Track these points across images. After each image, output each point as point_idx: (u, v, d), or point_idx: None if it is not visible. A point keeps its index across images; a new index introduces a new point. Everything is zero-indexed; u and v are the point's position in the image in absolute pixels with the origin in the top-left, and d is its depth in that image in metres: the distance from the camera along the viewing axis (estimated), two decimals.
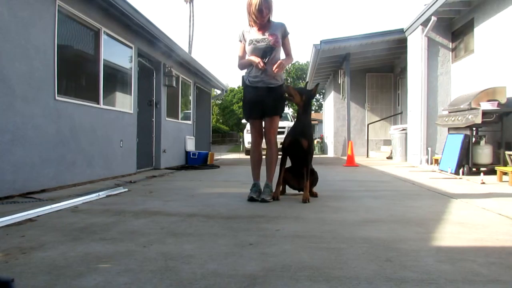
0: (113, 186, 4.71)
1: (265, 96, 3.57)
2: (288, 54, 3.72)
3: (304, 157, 3.59)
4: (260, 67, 3.45)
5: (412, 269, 1.66)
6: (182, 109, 9.40)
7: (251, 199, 3.49)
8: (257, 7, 3.39)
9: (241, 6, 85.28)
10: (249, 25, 3.60)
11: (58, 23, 4.43)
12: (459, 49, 7.87)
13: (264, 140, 3.73)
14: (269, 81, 3.58)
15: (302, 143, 3.56)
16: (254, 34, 3.56)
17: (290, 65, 25.74)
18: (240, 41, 3.68)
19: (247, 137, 14.10)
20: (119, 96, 6.27)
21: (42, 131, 4.20)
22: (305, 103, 3.68)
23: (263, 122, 3.72)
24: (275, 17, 3.63)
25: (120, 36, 6.01)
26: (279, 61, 3.46)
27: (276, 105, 3.64)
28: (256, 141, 3.77)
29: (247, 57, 3.60)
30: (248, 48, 3.57)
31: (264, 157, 3.75)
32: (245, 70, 3.71)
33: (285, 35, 3.64)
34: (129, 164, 6.33)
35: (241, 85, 3.64)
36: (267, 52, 3.49)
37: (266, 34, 3.53)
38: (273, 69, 3.43)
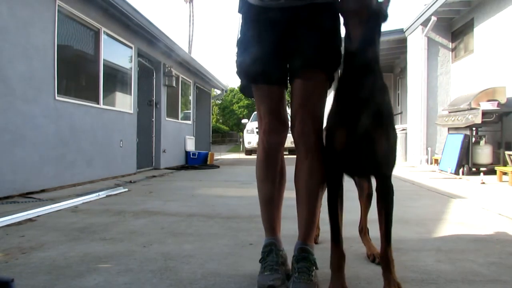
0: (113, 186, 4.71)
1: (298, 26, 1.48)
2: None
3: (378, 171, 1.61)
4: None
5: (412, 269, 1.66)
6: (182, 109, 9.40)
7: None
8: None
9: None
10: None
11: (58, 23, 4.42)
12: (459, 49, 7.87)
13: (291, 134, 1.59)
14: None
15: (373, 133, 1.42)
16: None
17: None
18: None
19: (247, 137, 13.69)
20: (119, 96, 6.26)
21: (42, 131, 4.19)
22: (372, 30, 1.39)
23: (286, 92, 1.61)
24: None
25: (120, 36, 6.01)
26: None
27: (326, 45, 1.48)
28: (269, 139, 1.61)
29: None
30: None
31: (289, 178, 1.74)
32: None
33: None
34: (129, 164, 6.33)
35: (238, 86, 2.01)
36: None
37: None
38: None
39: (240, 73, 1.58)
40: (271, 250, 1.58)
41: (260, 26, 1.50)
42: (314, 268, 1.52)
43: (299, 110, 1.51)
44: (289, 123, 1.60)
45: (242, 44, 1.56)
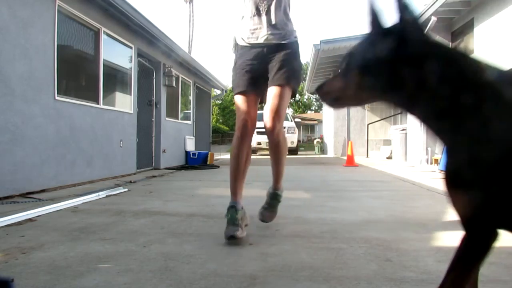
0: (113, 186, 4.71)
1: (270, 57, 2.25)
2: None
3: None
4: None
5: (412, 269, 1.66)
6: (182, 109, 9.40)
7: (230, 238, 2.05)
8: None
9: None
10: None
11: (58, 23, 4.42)
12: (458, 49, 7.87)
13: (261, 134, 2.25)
14: (278, 35, 2.25)
15: None
16: None
17: None
18: None
19: None
20: (119, 96, 6.26)
21: (42, 131, 4.19)
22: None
23: (259, 100, 2.36)
24: None
25: (120, 36, 6.01)
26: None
27: (289, 68, 2.23)
28: (244, 130, 2.24)
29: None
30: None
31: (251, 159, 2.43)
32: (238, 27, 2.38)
33: None
34: (129, 164, 6.33)
35: (233, 50, 2.43)
36: (266, 2, 2.23)
37: None
38: (286, 41, 2.26)
39: (233, 85, 2.36)
40: (233, 209, 2.18)
41: (245, 56, 2.29)
42: (278, 204, 2.48)
43: (271, 110, 2.23)
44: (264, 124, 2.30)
45: (235, 68, 2.36)
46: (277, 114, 2.22)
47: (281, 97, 2.22)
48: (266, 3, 2.23)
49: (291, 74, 2.24)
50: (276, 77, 2.22)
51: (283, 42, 2.26)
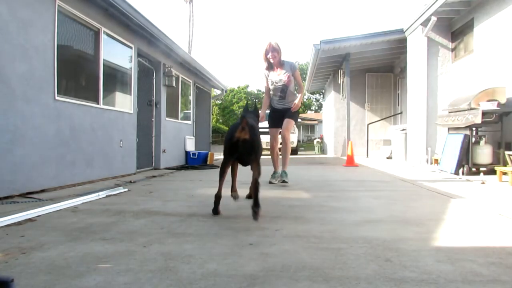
0: (113, 186, 4.71)
1: (284, 112, 5.00)
2: (299, 84, 5.10)
3: None
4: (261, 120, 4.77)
5: (412, 269, 1.66)
6: (182, 109, 9.40)
7: (270, 183, 4.85)
8: (267, 52, 4.85)
9: (241, 7, 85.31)
10: (266, 68, 4.99)
11: (58, 23, 4.42)
12: (459, 49, 7.87)
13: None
14: (288, 105, 5.00)
15: None
16: (272, 76, 4.97)
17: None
18: (266, 76, 5.03)
19: None
20: (119, 96, 6.26)
21: (42, 131, 4.19)
22: None
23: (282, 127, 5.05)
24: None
25: (120, 36, 6.01)
26: (295, 105, 4.91)
27: (293, 114, 5.02)
28: (275, 142, 5.06)
29: (270, 90, 5.06)
30: (271, 87, 5.00)
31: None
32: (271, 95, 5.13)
33: (293, 70, 4.95)
34: (129, 164, 6.33)
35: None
36: (284, 89, 4.96)
37: (281, 74, 4.91)
38: (292, 108, 4.92)
39: (269, 123, 5.16)
40: (274, 173, 5.00)
41: (275, 112, 5.09)
42: (287, 177, 4.83)
43: (284, 129, 4.96)
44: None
45: (270, 116, 5.19)
46: (287, 128, 4.96)
47: (289, 123, 4.96)
48: (283, 94, 4.97)
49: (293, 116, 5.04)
50: (286, 115, 4.98)
51: (289, 107, 4.99)
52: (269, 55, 4.80)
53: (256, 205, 2.52)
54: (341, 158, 11.58)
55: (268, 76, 4.98)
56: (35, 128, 4.09)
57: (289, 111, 4.90)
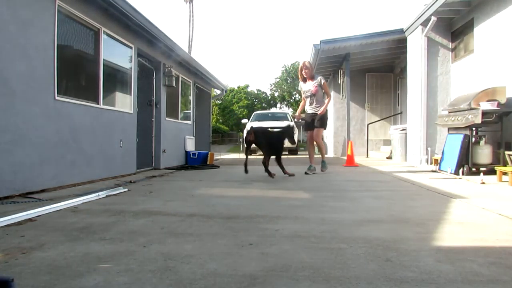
0: (113, 186, 4.71)
1: (313, 115, 6.33)
2: (327, 93, 6.45)
3: None
4: (296, 119, 7.28)
5: (412, 269, 1.66)
6: (182, 109, 9.40)
7: (306, 174, 6.19)
8: (302, 69, 6.34)
9: (241, 7, 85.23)
10: (301, 80, 6.47)
11: (58, 23, 4.42)
12: (458, 49, 7.87)
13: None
14: (316, 110, 6.33)
15: None
16: (303, 86, 6.43)
17: (292, 67, 43.23)
18: (301, 87, 6.54)
19: None
20: (119, 96, 6.26)
21: (42, 131, 4.19)
22: None
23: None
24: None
25: (120, 36, 6.01)
26: (322, 108, 6.26)
27: (321, 121, 6.34)
28: (310, 142, 6.56)
29: (304, 98, 6.56)
30: (303, 95, 6.48)
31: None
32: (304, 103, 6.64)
33: (321, 83, 6.26)
34: (129, 164, 6.33)
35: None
36: (312, 97, 6.33)
37: (310, 85, 6.28)
38: (319, 113, 6.25)
39: (304, 127, 6.89)
40: (310, 166, 6.49)
41: (307, 116, 6.50)
42: (326, 165, 6.70)
43: (315, 136, 6.45)
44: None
45: (305, 120, 6.63)
46: (317, 135, 6.38)
47: (318, 131, 6.34)
48: (311, 100, 6.32)
49: (321, 122, 6.35)
50: (316, 123, 6.29)
51: (317, 111, 6.25)
52: (303, 72, 6.27)
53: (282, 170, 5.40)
54: (341, 158, 11.57)
55: (302, 87, 6.51)
56: (35, 128, 4.09)
57: (317, 116, 6.27)
